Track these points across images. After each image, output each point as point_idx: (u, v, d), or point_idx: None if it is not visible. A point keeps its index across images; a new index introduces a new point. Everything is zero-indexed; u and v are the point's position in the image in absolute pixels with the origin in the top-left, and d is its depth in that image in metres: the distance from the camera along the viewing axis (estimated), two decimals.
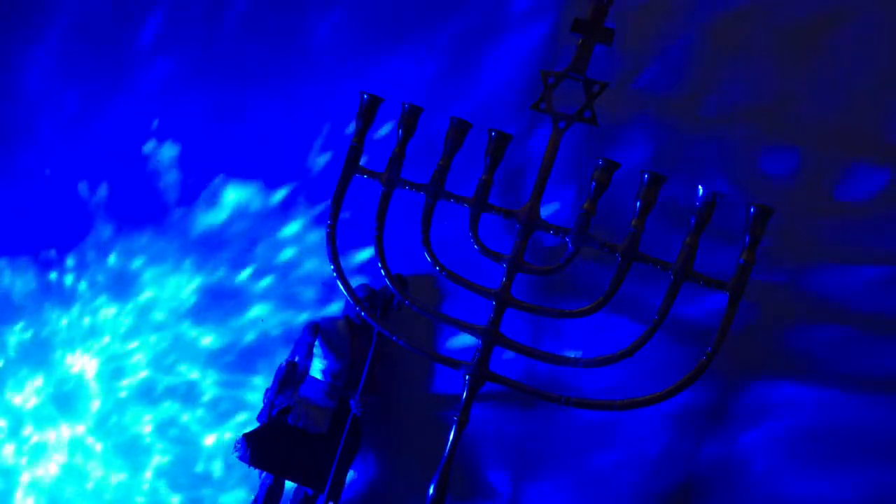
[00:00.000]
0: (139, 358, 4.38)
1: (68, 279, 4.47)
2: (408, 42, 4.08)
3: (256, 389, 4.22)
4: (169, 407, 4.35)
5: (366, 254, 4.11)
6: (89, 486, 4.39)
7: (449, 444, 3.45)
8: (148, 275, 4.38)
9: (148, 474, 4.35)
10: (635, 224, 3.32)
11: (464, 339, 3.97)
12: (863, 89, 3.61)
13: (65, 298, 4.47)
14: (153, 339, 4.37)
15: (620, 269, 3.34)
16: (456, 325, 3.53)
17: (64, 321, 4.47)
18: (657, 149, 3.77)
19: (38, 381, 4.48)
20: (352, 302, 3.66)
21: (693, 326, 3.70)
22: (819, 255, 3.64)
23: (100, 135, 4.44)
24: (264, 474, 3.93)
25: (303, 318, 4.17)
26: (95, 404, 4.41)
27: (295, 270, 4.23)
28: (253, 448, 3.83)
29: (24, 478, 4.45)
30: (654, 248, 3.41)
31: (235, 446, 3.85)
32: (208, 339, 4.31)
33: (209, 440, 4.31)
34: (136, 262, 4.39)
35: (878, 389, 3.60)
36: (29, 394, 4.49)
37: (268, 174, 4.25)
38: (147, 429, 4.36)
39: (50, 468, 4.44)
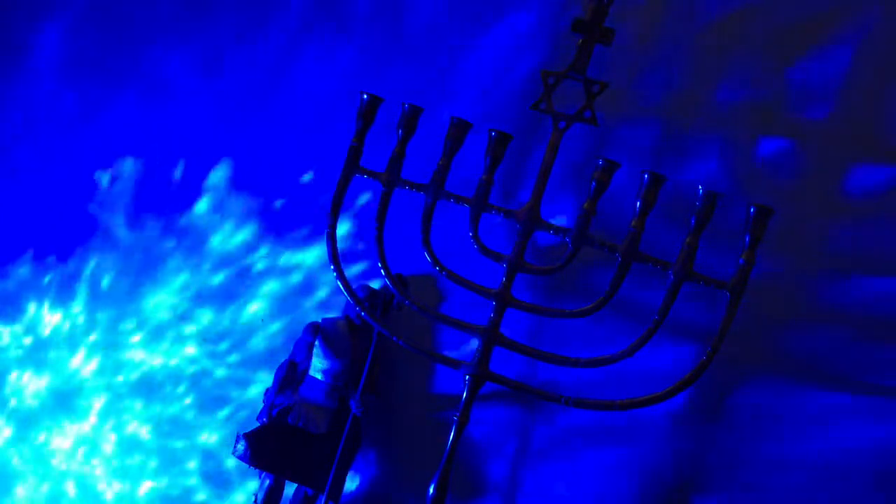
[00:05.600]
0: (139, 358, 4.38)
1: (67, 280, 4.46)
2: (407, 41, 4.08)
3: (257, 388, 4.22)
4: (169, 407, 4.34)
5: (366, 254, 4.11)
6: (89, 485, 4.40)
7: (449, 444, 3.45)
8: (148, 275, 4.37)
9: (148, 473, 4.35)
10: (635, 224, 3.32)
11: (464, 339, 3.97)
12: (864, 89, 3.61)
13: (64, 298, 4.47)
14: (153, 339, 4.37)
15: (620, 269, 3.34)
16: (456, 325, 3.53)
17: (64, 321, 4.47)
18: (658, 149, 3.77)
19: (37, 380, 4.48)
20: (352, 302, 3.66)
21: (693, 326, 3.70)
22: (819, 255, 3.65)
23: (99, 134, 4.43)
24: (264, 474, 3.93)
25: (303, 318, 4.17)
26: (95, 404, 4.41)
27: (295, 270, 4.23)
28: (253, 448, 3.83)
29: (25, 478, 4.45)
30: (654, 248, 3.41)
31: (235, 446, 3.85)
32: (208, 340, 4.31)
33: (209, 440, 4.31)
34: (137, 263, 4.39)
35: (878, 389, 3.60)
36: (29, 394, 4.48)
37: (267, 174, 4.25)
38: (147, 428, 4.37)
39: (50, 468, 4.44)
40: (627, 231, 3.33)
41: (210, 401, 4.32)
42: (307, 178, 4.21)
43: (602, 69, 3.66)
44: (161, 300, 4.36)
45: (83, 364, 4.44)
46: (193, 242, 4.33)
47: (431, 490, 3.45)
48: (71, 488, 4.42)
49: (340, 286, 3.60)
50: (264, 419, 3.95)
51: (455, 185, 3.54)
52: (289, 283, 4.23)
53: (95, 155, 4.44)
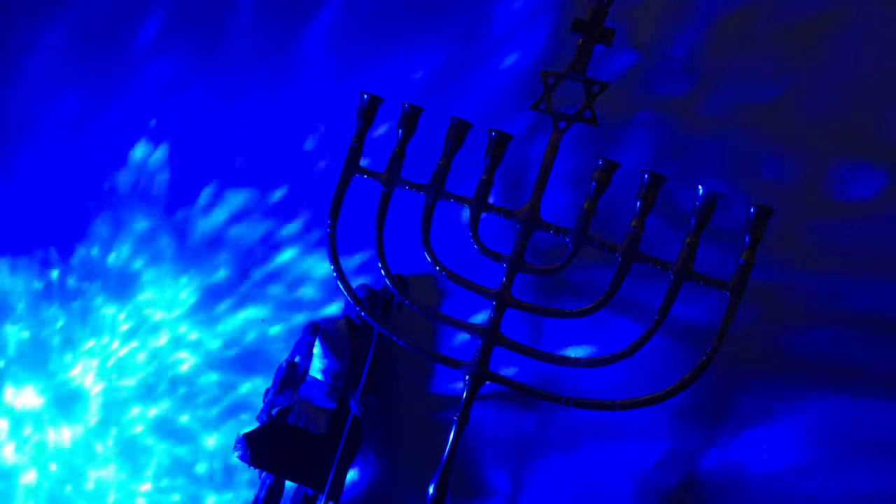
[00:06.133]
0: (139, 358, 4.39)
1: (68, 279, 4.47)
2: (406, 42, 4.08)
3: (256, 389, 4.22)
4: (169, 407, 4.35)
5: (366, 254, 4.11)
6: (88, 486, 4.40)
7: (449, 444, 3.45)
8: (147, 275, 4.38)
9: (147, 474, 4.35)
10: (635, 224, 3.32)
11: (464, 339, 3.97)
12: (864, 89, 3.61)
13: (64, 299, 4.47)
14: (153, 339, 4.37)
15: (620, 269, 3.34)
16: (456, 325, 3.53)
17: (63, 321, 4.48)
18: (657, 149, 3.77)
19: (37, 381, 4.48)
20: (352, 302, 3.66)
21: (693, 326, 3.70)
22: (819, 255, 3.64)
23: (99, 135, 4.44)
24: (264, 474, 3.93)
25: (303, 318, 4.17)
26: (95, 405, 4.41)
27: (295, 271, 4.23)
28: (253, 448, 3.84)
29: (24, 478, 4.45)
30: (654, 248, 3.41)
31: (235, 446, 3.86)
32: (208, 340, 4.31)
33: (209, 440, 4.31)
34: (136, 263, 4.39)
35: (877, 390, 3.60)
36: (28, 394, 4.49)
37: (267, 174, 4.25)
38: (147, 429, 4.37)
39: (49, 468, 4.44)
40: (627, 231, 3.33)
41: (209, 401, 4.32)
42: (307, 177, 4.21)
43: (602, 69, 3.66)
44: (161, 300, 4.36)
45: (83, 364, 4.44)
46: (193, 242, 4.33)
47: (431, 490, 3.45)
48: (71, 488, 4.42)
49: (340, 286, 3.60)
50: (264, 419, 3.95)
51: (455, 185, 3.54)
52: (289, 282, 4.23)
53: (96, 154, 4.44)
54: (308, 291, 4.21)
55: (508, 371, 3.88)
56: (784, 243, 3.63)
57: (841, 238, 3.62)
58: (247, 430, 3.91)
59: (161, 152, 4.37)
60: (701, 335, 3.63)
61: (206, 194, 4.31)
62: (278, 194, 4.24)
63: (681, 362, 3.66)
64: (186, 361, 4.34)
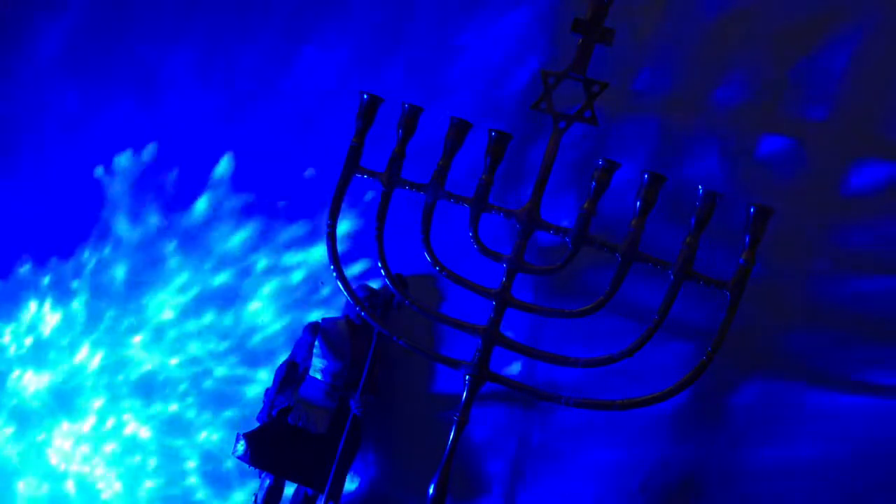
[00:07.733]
0: (139, 357, 4.39)
1: (68, 279, 4.47)
2: (407, 41, 4.08)
3: (257, 388, 4.22)
4: (169, 406, 4.35)
5: (365, 254, 4.12)
6: (88, 485, 4.40)
7: (449, 444, 3.45)
8: (148, 275, 4.38)
9: (147, 472, 4.35)
10: (635, 224, 3.32)
11: (464, 339, 3.97)
12: (863, 89, 3.61)
13: (65, 298, 4.47)
14: (153, 338, 4.38)
15: (620, 269, 3.34)
16: (456, 325, 3.53)
17: (64, 320, 4.48)
18: (657, 149, 3.77)
19: (38, 379, 4.48)
20: (352, 302, 3.66)
21: (693, 326, 3.71)
22: (819, 255, 3.65)
23: (100, 134, 4.44)
24: (264, 474, 3.93)
25: (303, 318, 4.17)
26: (95, 404, 4.41)
27: (295, 270, 4.23)
28: (253, 448, 3.84)
29: (24, 478, 4.45)
30: (654, 248, 3.41)
31: (235, 446, 3.86)
32: (209, 339, 4.31)
33: (208, 439, 4.31)
34: (137, 263, 4.39)
35: (876, 390, 3.61)
36: (29, 393, 4.49)
37: (268, 174, 4.25)
38: (147, 428, 4.37)
39: (49, 468, 4.44)
40: (627, 231, 3.33)
41: (210, 401, 4.32)
42: (308, 176, 4.21)
43: (602, 69, 3.66)
44: (162, 300, 4.37)
45: (83, 364, 4.45)
46: (194, 242, 4.33)
47: (431, 490, 3.45)
48: (71, 488, 4.42)
49: (340, 286, 3.60)
50: (264, 419, 3.95)
51: (455, 185, 3.54)
52: (289, 282, 4.24)
53: (96, 153, 4.45)
54: (308, 291, 4.21)
55: (508, 371, 3.88)
56: (784, 243, 3.63)
57: (842, 237, 3.63)
58: (247, 430, 3.91)
59: (162, 152, 4.37)
60: (701, 335, 3.63)
61: (207, 194, 4.31)
62: (280, 192, 4.24)
63: (681, 362, 3.66)
64: (187, 361, 4.34)
